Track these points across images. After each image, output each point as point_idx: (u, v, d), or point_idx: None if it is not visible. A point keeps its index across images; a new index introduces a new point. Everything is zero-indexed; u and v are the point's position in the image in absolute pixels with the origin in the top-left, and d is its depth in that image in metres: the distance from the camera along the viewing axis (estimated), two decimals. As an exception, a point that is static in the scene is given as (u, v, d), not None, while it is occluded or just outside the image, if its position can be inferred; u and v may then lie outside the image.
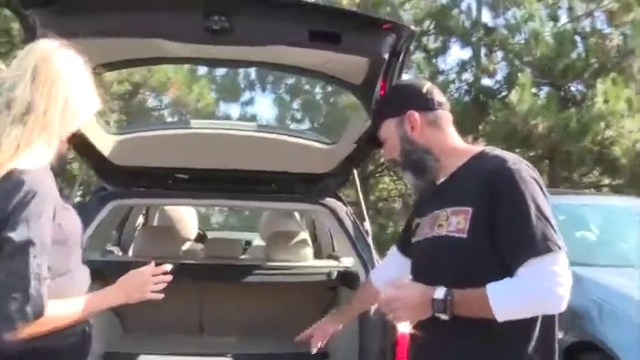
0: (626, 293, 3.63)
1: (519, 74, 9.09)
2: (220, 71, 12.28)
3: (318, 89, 12.79)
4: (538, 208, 1.47)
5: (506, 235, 1.47)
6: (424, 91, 1.68)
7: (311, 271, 3.58)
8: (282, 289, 3.53)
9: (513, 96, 8.97)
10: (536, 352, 1.53)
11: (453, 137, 1.68)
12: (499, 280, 1.46)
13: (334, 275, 3.52)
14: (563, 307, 1.46)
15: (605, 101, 8.47)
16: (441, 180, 1.66)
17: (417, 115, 1.65)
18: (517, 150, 9.31)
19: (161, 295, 1.66)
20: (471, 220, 1.51)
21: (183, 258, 3.64)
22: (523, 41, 9.98)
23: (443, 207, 1.60)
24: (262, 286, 3.49)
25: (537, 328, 1.53)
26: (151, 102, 11.81)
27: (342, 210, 3.15)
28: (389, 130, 1.69)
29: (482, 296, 1.45)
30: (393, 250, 1.98)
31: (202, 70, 11.84)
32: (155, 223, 4.76)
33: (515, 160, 1.55)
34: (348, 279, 3.35)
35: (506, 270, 1.47)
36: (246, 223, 12.45)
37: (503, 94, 10.16)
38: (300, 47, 2.03)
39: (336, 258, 4.17)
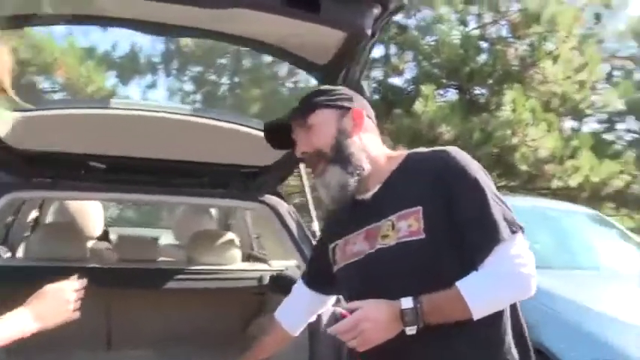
0: (555, 293, 3.61)
1: (422, 86, 9.19)
2: (121, 51, 11.34)
3: (225, 79, 12.26)
4: (492, 191, 1.43)
5: (469, 227, 1.40)
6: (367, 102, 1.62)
7: (240, 276, 3.22)
8: (206, 295, 3.14)
9: (417, 106, 9.07)
10: (512, 346, 1.46)
11: (383, 146, 1.60)
12: (464, 275, 1.38)
13: (266, 280, 3.19)
14: (534, 287, 1.40)
15: (513, 110, 8.76)
16: (373, 190, 1.53)
17: (364, 114, 1.55)
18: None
19: (77, 314, 1.37)
20: (424, 218, 1.41)
21: (90, 260, 3.13)
22: (433, 43, 10.13)
23: (383, 217, 1.47)
24: (184, 292, 3.08)
25: (507, 320, 1.46)
26: (43, 83, 10.69)
27: (285, 208, 2.82)
28: (324, 117, 1.53)
29: (455, 296, 1.35)
30: (299, 285, 1.80)
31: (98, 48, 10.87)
32: (51, 218, 4.16)
33: (453, 148, 1.49)
34: (281, 284, 3.03)
35: (468, 263, 1.39)
36: (146, 218, 11.66)
37: (411, 94, 10.25)
38: (271, 13, 1.68)
39: (261, 260, 3.84)
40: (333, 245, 1.62)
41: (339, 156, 1.50)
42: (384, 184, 1.52)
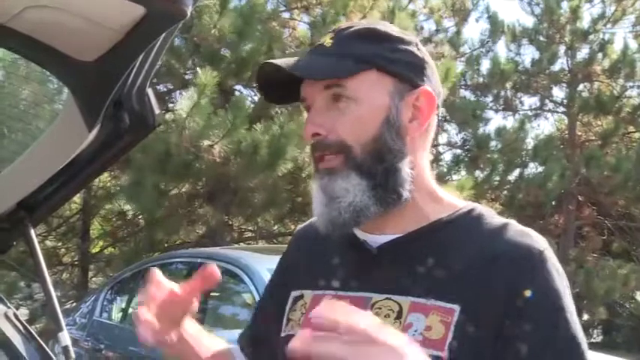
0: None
1: (199, 69, 5.76)
2: None
3: None
4: (577, 326, 0.89)
5: None
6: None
7: None
8: None
9: (184, 103, 5.69)
10: None
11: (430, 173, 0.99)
12: None
13: None
14: None
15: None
16: (389, 235, 0.94)
17: (436, 100, 0.94)
18: (166, 185, 6.12)
19: None
20: (458, 326, 0.87)
21: None
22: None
23: (386, 290, 0.92)
24: None
25: None
26: None
27: None
28: (375, 89, 0.91)
29: None
30: (236, 350, 1.14)
31: None
32: None
33: (540, 239, 0.93)
34: None
35: None
36: None
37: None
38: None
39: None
40: (297, 294, 1.03)
41: (372, 163, 0.91)
42: (411, 236, 0.94)
